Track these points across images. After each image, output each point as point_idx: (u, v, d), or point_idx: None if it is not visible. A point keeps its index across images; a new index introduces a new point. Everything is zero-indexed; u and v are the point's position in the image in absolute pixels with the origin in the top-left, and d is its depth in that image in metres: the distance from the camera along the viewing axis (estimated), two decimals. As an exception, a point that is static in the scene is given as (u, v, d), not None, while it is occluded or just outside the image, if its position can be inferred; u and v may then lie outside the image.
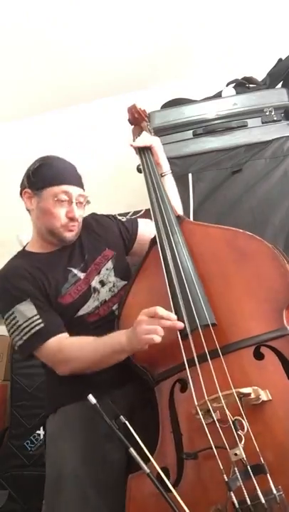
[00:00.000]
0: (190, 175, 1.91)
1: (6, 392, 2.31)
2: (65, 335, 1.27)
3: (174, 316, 1.09)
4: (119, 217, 1.57)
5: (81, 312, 1.32)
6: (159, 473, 0.92)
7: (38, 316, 1.26)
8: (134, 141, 1.59)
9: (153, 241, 1.31)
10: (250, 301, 1.12)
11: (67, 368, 1.24)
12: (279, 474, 0.88)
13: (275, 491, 0.84)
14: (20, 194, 1.43)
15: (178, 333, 1.09)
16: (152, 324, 1.06)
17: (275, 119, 1.91)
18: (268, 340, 1.05)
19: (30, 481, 2.03)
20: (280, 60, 2.08)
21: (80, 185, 1.40)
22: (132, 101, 1.68)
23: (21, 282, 1.31)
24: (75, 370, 1.24)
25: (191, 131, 1.97)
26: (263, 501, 0.83)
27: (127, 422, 0.95)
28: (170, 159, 1.74)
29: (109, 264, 1.40)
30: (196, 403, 0.99)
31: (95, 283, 1.36)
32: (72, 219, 1.35)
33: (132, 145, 1.52)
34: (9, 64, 2.52)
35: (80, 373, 1.24)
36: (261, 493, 0.84)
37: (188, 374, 1.05)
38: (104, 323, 1.31)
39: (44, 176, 1.37)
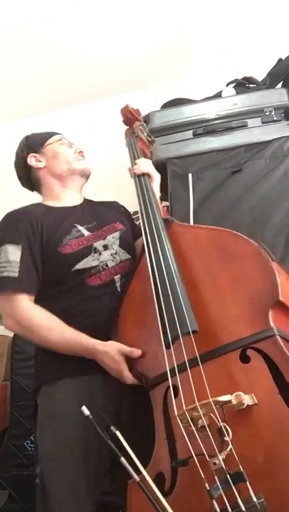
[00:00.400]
0: (190, 175, 1.91)
1: (6, 392, 2.31)
2: (32, 298, 1.31)
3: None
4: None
5: (79, 266, 1.33)
6: (154, 478, 0.92)
7: (18, 264, 1.29)
8: (127, 142, 1.61)
9: (142, 249, 1.31)
10: (235, 302, 1.10)
11: (21, 333, 1.32)
12: (266, 477, 0.87)
13: (255, 499, 0.83)
14: (25, 166, 1.56)
15: (162, 341, 1.08)
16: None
17: (275, 119, 1.90)
18: (253, 342, 1.02)
19: (30, 481, 2.03)
20: (280, 60, 2.08)
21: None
22: (132, 101, 1.68)
23: (24, 225, 1.35)
24: (28, 337, 1.30)
25: (191, 131, 1.97)
26: (244, 509, 0.83)
27: (118, 433, 0.95)
28: (170, 159, 1.75)
29: (116, 235, 1.44)
30: (175, 413, 0.98)
31: (97, 244, 1.38)
32: (80, 152, 1.55)
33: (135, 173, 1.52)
34: (9, 64, 2.52)
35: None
36: (241, 501, 0.83)
37: (170, 383, 1.04)
38: (104, 293, 1.32)
39: (38, 137, 1.58)
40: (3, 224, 1.40)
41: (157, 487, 0.90)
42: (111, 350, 1.19)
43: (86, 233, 1.39)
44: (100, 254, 1.36)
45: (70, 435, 1.20)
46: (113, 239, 1.42)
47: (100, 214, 1.50)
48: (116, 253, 1.39)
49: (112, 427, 0.96)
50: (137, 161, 1.55)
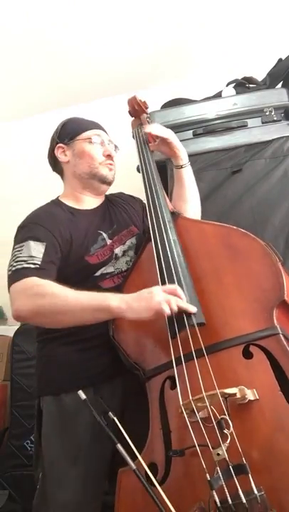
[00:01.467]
0: (190, 175, 1.91)
1: (6, 392, 2.31)
2: None
3: (191, 306, 1.08)
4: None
5: (99, 273, 1.34)
6: (147, 467, 0.92)
7: (40, 259, 1.23)
8: (134, 133, 1.59)
9: (148, 237, 1.32)
10: (241, 299, 1.11)
11: (34, 305, 1.14)
12: (264, 472, 0.88)
13: (256, 491, 0.84)
14: (52, 154, 1.50)
15: (168, 330, 1.09)
16: (169, 297, 1.06)
17: (275, 119, 1.90)
18: (257, 339, 1.04)
19: (30, 481, 2.02)
20: (280, 60, 2.08)
21: (107, 134, 1.51)
22: (132, 101, 1.67)
23: (51, 226, 1.30)
24: (42, 309, 1.14)
25: (191, 131, 1.97)
26: (244, 501, 0.83)
27: (115, 419, 0.96)
28: (170, 159, 1.73)
29: (133, 240, 1.45)
30: (181, 402, 0.99)
31: (118, 250, 1.39)
32: (109, 156, 1.45)
33: (147, 131, 1.49)
34: (9, 64, 2.52)
35: (39, 320, 1.19)
36: (242, 493, 0.84)
37: (176, 372, 1.05)
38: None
39: (73, 127, 1.49)
40: (28, 222, 1.34)
41: (149, 477, 0.91)
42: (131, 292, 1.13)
43: (108, 241, 1.40)
44: (118, 259, 1.38)
45: (78, 444, 1.20)
46: (131, 244, 1.43)
47: (119, 217, 1.49)
48: (130, 260, 1.41)
49: (109, 413, 0.97)
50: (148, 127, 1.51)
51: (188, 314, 1.08)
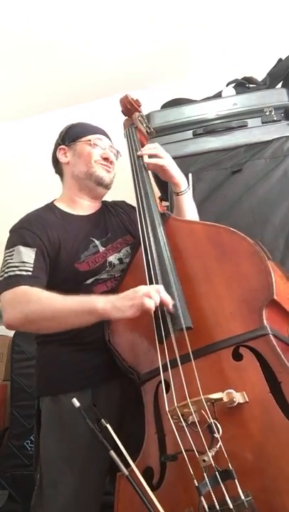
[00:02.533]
0: (190, 175, 1.90)
1: (6, 392, 2.31)
2: None
3: (171, 300, 1.09)
4: None
5: (91, 280, 1.33)
6: (143, 472, 0.93)
7: (31, 265, 1.24)
8: (125, 133, 1.59)
9: (139, 240, 1.31)
10: (230, 299, 1.10)
11: (22, 312, 1.17)
12: (255, 475, 0.88)
13: (243, 497, 0.84)
14: (55, 156, 1.52)
15: (155, 336, 1.08)
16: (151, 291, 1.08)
17: (275, 119, 1.90)
18: (246, 340, 1.02)
19: (30, 481, 2.02)
20: (280, 60, 2.08)
21: (111, 141, 1.52)
22: (132, 101, 1.67)
23: (40, 232, 1.31)
24: (30, 316, 1.16)
25: (191, 131, 1.97)
26: (231, 507, 0.83)
27: (108, 426, 0.95)
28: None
29: (129, 249, 1.43)
30: (167, 409, 0.99)
31: (112, 258, 1.38)
32: (106, 159, 1.45)
33: (140, 154, 1.47)
34: (9, 64, 2.52)
35: (29, 326, 1.21)
36: (229, 498, 0.84)
37: (162, 378, 1.05)
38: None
39: (77, 130, 1.51)
40: (18, 227, 1.36)
41: (146, 481, 0.91)
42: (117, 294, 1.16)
43: (101, 248, 1.39)
44: (114, 267, 1.38)
45: (76, 445, 1.20)
46: (127, 252, 1.42)
47: (114, 225, 1.48)
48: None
49: (102, 420, 0.96)
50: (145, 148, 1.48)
51: (175, 319, 1.08)
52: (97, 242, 1.39)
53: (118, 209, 1.56)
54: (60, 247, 1.32)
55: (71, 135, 1.50)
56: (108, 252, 1.39)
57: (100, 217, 1.48)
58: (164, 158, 1.44)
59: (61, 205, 1.46)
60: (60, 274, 1.31)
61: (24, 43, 2.38)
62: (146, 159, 1.45)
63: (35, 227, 1.33)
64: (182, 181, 1.47)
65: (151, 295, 1.06)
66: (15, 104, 2.78)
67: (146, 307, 1.06)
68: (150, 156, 1.45)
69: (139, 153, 1.48)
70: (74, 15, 2.26)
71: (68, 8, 2.22)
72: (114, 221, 1.50)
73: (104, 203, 1.56)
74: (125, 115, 1.66)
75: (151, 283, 1.16)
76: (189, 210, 1.48)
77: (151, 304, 1.06)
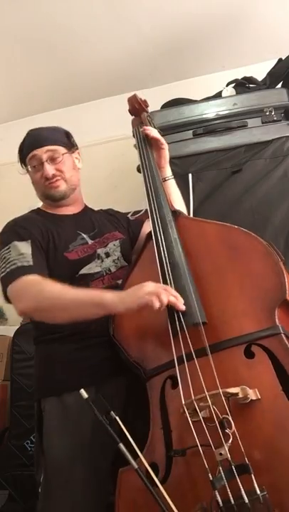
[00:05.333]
0: (190, 175, 1.91)
1: (6, 392, 2.31)
2: None
3: (181, 299, 1.10)
4: (130, 217, 1.63)
5: (84, 271, 1.34)
6: (147, 468, 0.92)
7: (30, 256, 1.27)
8: (134, 132, 1.58)
9: (149, 235, 1.32)
10: (242, 298, 1.11)
11: (34, 302, 1.21)
12: (266, 472, 0.88)
13: (258, 491, 0.84)
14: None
15: (169, 329, 1.09)
16: (158, 290, 1.09)
17: (275, 119, 1.90)
18: (259, 338, 1.04)
19: (30, 481, 2.03)
20: (280, 60, 2.08)
21: (48, 141, 1.42)
22: (131, 101, 1.67)
23: (29, 226, 1.36)
24: (43, 306, 1.21)
25: (191, 131, 1.97)
26: (247, 501, 0.83)
27: (117, 418, 0.95)
28: (170, 159, 1.74)
29: (117, 243, 1.45)
30: (183, 402, 0.99)
31: (100, 251, 1.40)
32: (46, 178, 1.40)
33: (146, 131, 1.50)
34: (9, 64, 2.52)
35: (41, 315, 1.24)
36: (245, 493, 0.84)
37: (178, 372, 1.05)
38: None
39: (20, 151, 1.47)
40: (7, 229, 1.38)
41: (151, 477, 0.91)
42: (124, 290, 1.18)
43: (90, 241, 1.41)
44: (103, 260, 1.39)
45: (83, 444, 1.20)
46: (114, 246, 1.43)
47: (100, 222, 1.50)
48: (118, 259, 1.41)
49: (111, 412, 0.96)
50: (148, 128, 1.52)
51: (190, 313, 1.09)
52: (84, 235, 1.41)
53: (102, 212, 1.59)
54: (49, 239, 1.35)
55: (20, 155, 1.47)
56: (97, 244, 1.41)
57: (84, 215, 1.51)
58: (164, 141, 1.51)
59: (46, 209, 1.49)
60: (54, 266, 1.33)
61: (24, 43, 2.38)
62: (149, 132, 1.50)
63: (25, 223, 1.37)
64: (168, 168, 1.55)
65: (160, 295, 1.07)
66: (15, 105, 2.79)
67: (152, 305, 1.07)
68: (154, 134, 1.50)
69: (145, 128, 1.51)
70: (74, 15, 2.26)
71: (69, 9, 2.22)
72: (100, 220, 1.52)
73: (87, 207, 1.57)
74: (132, 114, 1.67)
75: (163, 277, 1.17)
76: (175, 196, 1.53)
77: (157, 305, 1.07)
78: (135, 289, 1.12)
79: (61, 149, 1.43)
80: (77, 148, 1.51)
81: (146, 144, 1.53)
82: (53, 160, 1.41)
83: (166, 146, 1.53)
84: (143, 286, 1.11)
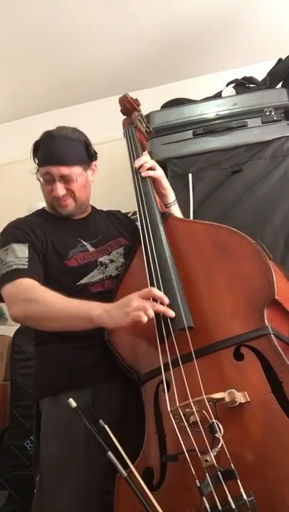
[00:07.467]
0: (190, 175, 1.91)
1: (6, 392, 2.31)
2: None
3: (166, 299, 1.09)
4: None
5: (84, 281, 1.33)
6: (143, 472, 0.93)
7: (26, 259, 1.28)
8: (124, 132, 1.57)
9: (138, 239, 1.31)
10: (231, 299, 1.10)
11: (26, 310, 1.22)
12: (256, 476, 0.87)
13: (245, 497, 0.83)
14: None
15: (156, 335, 1.08)
16: (144, 303, 1.08)
17: (275, 119, 1.91)
18: (247, 340, 1.02)
19: (30, 481, 2.01)
20: (280, 60, 2.09)
21: (64, 162, 1.37)
22: (132, 101, 1.67)
23: (29, 229, 1.36)
24: (33, 315, 1.22)
25: (191, 131, 1.97)
26: (234, 507, 0.83)
27: (106, 427, 0.95)
28: (170, 159, 1.75)
29: (121, 250, 1.43)
30: (168, 409, 0.98)
31: (103, 259, 1.39)
32: (54, 197, 1.39)
33: (137, 166, 1.43)
34: (9, 64, 2.52)
35: (31, 323, 1.28)
36: (232, 498, 0.83)
37: (164, 378, 1.04)
38: (105, 298, 1.30)
39: (38, 155, 1.41)
40: (7, 229, 1.39)
41: (145, 482, 0.90)
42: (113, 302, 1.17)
43: (91, 249, 1.40)
44: (106, 267, 1.38)
45: (77, 445, 1.19)
46: (118, 254, 1.42)
47: (104, 229, 1.49)
48: (121, 265, 1.40)
49: (100, 421, 0.96)
50: (142, 160, 1.45)
51: (176, 318, 1.08)
52: (85, 243, 1.40)
53: (110, 215, 1.57)
54: (47, 244, 1.35)
55: (37, 155, 1.41)
56: (98, 253, 1.40)
57: (89, 221, 1.49)
58: (158, 170, 1.45)
59: (50, 210, 1.48)
60: (50, 270, 1.33)
61: (24, 42, 2.38)
62: (144, 172, 1.43)
63: (23, 226, 1.38)
64: (171, 193, 1.49)
65: (147, 310, 1.07)
66: (15, 104, 2.79)
67: (140, 320, 1.06)
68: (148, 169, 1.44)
69: (137, 164, 1.44)
70: (74, 15, 2.26)
71: (69, 9, 2.22)
72: (105, 225, 1.50)
73: (94, 208, 1.56)
74: (124, 114, 1.66)
75: (151, 282, 1.16)
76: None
77: (145, 320, 1.06)
78: (123, 304, 1.11)
79: (76, 170, 1.38)
80: (95, 159, 1.46)
81: (136, 145, 1.52)
82: (65, 180, 1.38)
83: (161, 177, 1.45)
84: (130, 301, 1.09)
